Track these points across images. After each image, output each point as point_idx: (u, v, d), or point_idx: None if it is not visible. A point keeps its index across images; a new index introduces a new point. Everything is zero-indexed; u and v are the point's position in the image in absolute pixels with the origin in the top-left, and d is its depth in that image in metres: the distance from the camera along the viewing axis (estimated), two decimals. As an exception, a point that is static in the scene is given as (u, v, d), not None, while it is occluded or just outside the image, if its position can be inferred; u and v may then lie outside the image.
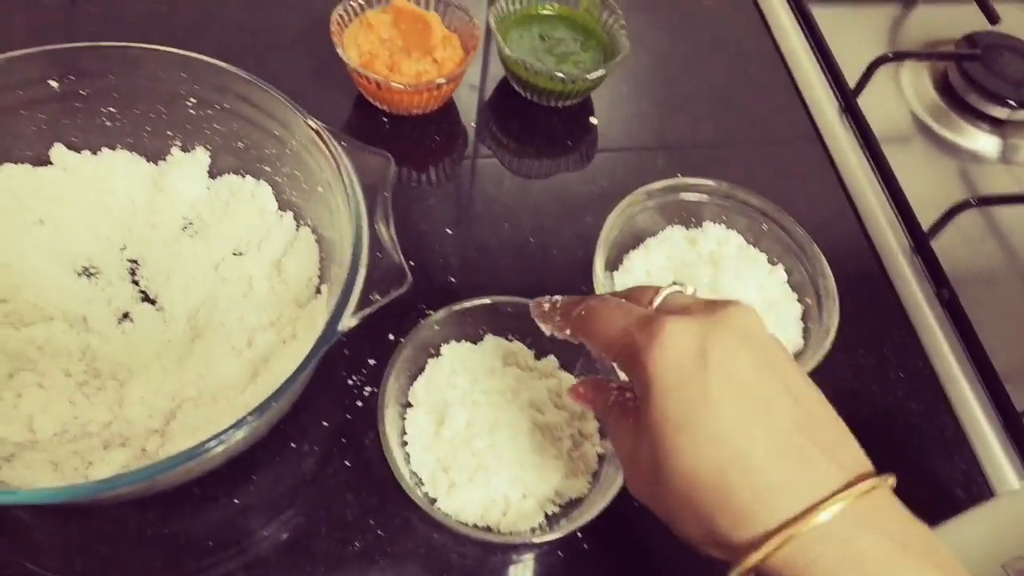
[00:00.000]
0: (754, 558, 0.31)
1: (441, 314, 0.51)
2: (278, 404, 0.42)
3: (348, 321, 0.44)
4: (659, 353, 0.34)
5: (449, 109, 0.70)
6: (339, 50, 0.63)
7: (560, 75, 0.66)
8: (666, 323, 0.34)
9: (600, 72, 0.67)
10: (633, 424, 0.36)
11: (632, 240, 0.60)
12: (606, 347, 0.37)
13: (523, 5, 0.72)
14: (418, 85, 0.62)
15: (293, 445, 0.52)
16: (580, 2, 0.72)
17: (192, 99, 0.55)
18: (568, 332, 0.41)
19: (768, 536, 0.31)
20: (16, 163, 0.54)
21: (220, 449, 0.40)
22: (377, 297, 0.46)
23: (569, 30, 0.73)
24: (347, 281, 0.44)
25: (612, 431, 0.39)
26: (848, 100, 0.76)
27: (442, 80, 0.63)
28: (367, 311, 0.45)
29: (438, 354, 0.53)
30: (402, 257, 0.48)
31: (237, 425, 0.40)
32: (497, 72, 0.74)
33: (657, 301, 0.38)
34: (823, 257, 0.57)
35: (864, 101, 0.76)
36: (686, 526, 0.34)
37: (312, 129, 0.51)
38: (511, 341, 0.54)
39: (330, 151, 0.50)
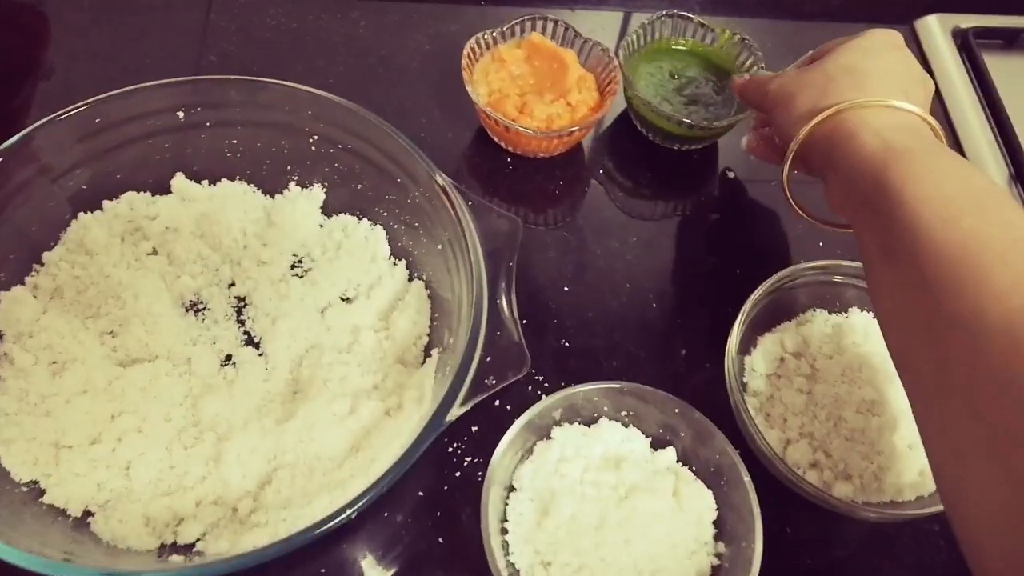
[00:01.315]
0: (823, 115, 0.46)
1: (556, 398, 0.47)
2: (380, 492, 0.39)
3: (457, 411, 0.41)
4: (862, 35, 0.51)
5: (575, 153, 0.66)
6: (468, 87, 0.59)
7: (687, 121, 0.61)
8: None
9: (732, 119, 0.61)
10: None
11: (769, 320, 0.55)
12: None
13: (654, 39, 0.67)
14: (548, 132, 0.58)
15: (386, 514, 0.49)
16: (718, 39, 0.66)
17: (315, 136, 0.53)
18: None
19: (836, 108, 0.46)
20: (138, 191, 0.53)
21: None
22: (493, 382, 0.43)
23: (702, 69, 0.66)
24: (460, 367, 0.41)
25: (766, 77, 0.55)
26: (1021, 169, 0.68)
27: (575, 128, 0.59)
28: (479, 398, 0.42)
29: (548, 437, 0.49)
30: (522, 336, 0.45)
31: (336, 515, 0.38)
32: (619, 108, 0.69)
33: None
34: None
35: (1039, 171, 0.67)
36: (805, 99, 0.48)
37: (437, 184, 0.48)
38: (627, 427, 0.50)
39: (455, 212, 0.47)
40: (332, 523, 0.37)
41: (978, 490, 0.33)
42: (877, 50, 0.49)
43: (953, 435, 0.35)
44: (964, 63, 0.76)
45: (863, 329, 0.54)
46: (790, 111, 0.49)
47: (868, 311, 0.55)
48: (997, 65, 0.75)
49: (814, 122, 0.46)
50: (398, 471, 0.38)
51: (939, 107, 0.74)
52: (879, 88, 0.46)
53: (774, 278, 0.52)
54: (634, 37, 0.65)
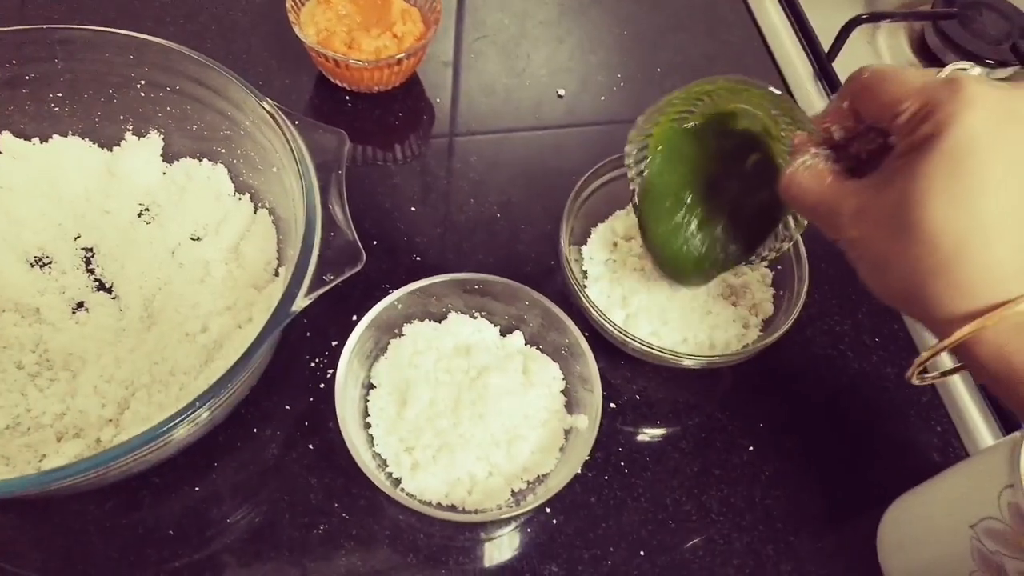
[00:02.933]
0: (967, 329, 0.31)
1: (401, 292, 0.50)
2: (231, 387, 0.41)
3: (301, 302, 0.43)
4: (961, 107, 0.32)
5: (413, 85, 0.69)
6: (295, 28, 0.61)
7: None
8: (974, 83, 0.32)
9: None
10: (875, 175, 0.36)
11: (601, 212, 0.59)
12: (894, 103, 0.35)
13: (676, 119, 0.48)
14: (378, 61, 0.61)
15: (255, 430, 0.51)
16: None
17: (142, 81, 0.54)
18: (845, 105, 0.38)
19: (986, 310, 0.31)
20: (-38, 153, 0.53)
21: (173, 435, 0.40)
22: (331, 277, 0.45)
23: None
24: (299, 261, 0.43)
25: (836, 190, 0.37)
26: (822, 64, 0.74)
27: (402, 55, 0.61)
28: (321, 291, 0.44)
29: (401, 334, 0.52)
30: (356, 235, 0.47)
31: (188, 410, 0.39)
32: (475, 47, 0.72)
33: (946, 72, 0.36)
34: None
35: (840, 65, 0.74)
36: (897, 283, 0.34)
37: (264, 109, 0.50)
38: (476, 319, 0.53)
39: (282, 131, 0.49)
40: (184, 416, 0.39)
41: None
42: None
43: None
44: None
45: (685, 209, 0.59)
46: (887, 286, 0.35)
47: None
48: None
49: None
50: (250, 356, 0.40)
51: (751, 21, 0.80)
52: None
53: (589, 172, 0.56)
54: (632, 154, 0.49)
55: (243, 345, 0.46)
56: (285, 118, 0.49)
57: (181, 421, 0.39)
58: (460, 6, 0.76)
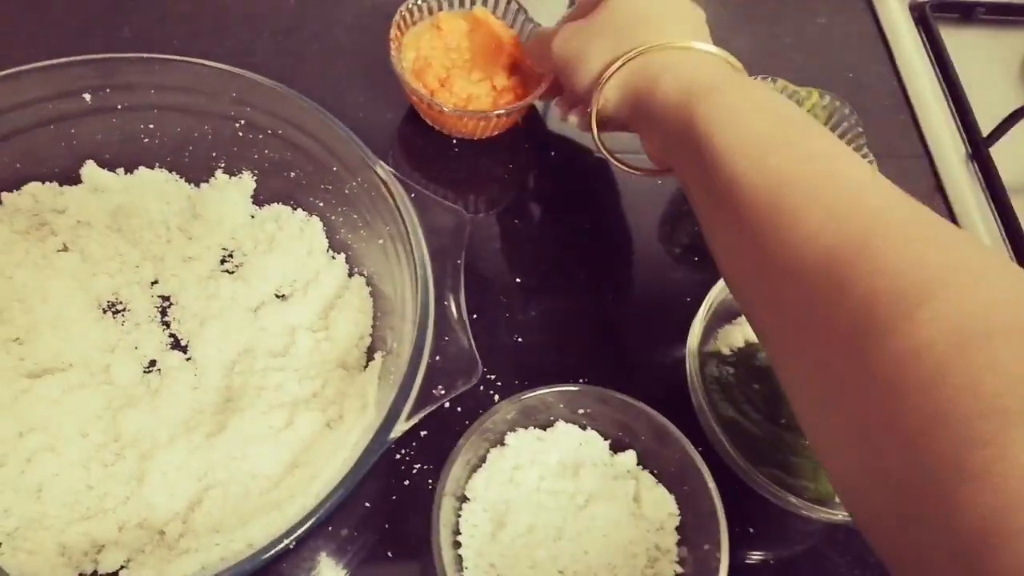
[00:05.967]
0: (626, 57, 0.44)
1: (508, 405, 0.44)
2: (321, 517, 0.36)
3: (402, 426, 0.38)
4: None
5: (521, 134, 0.62)
6: (392, 51, 0.55)
7: None
8: None
9: None
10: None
11: (728, 311, 0.53)
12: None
13: None
14: (463, 111, 0.54)
15: (330, 528, 0.46)
16: (803, 102, 0.59)
17: (242, 120, 0.49)
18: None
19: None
20: (43, 181, 0.48)
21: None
22: (441, 391, 0.39)
23: None
24: (405, 380, 0.38)
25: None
26: (978, 148, 0.66)
27: (493, 113, 0.54)
28: (427, 410, 0.39)
29: (502, 443, 0.46)
30: (472, 341, 0.41)
31: (273, 545, 0.35)
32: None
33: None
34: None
35: (998, 151, 0.66)
36: (597, 52, 0.45)
37: (378, 176, 0.44)
38: (585, 430, 0.47)
39: (396, 205, 0.43)
40: (268, 554, 0.34)
41: (841, 442, 0.31)
42: None
43: (808, 388, 0.34)
44: (921, 37, 0.74)
45: (825, 319, 0.52)
46: (584, 68, 0.46)
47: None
48: (953, 39, 0.74)
49: (612, 70, 0.44)
50: (338, 496, 0.35)
51: (895, 81, 0.72)
52: (674, 31, 0.44)
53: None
54: None
55: (331, 451, 0.41)
56: (401, 189, 0.44)
57: (266, 556, 0.34)
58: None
